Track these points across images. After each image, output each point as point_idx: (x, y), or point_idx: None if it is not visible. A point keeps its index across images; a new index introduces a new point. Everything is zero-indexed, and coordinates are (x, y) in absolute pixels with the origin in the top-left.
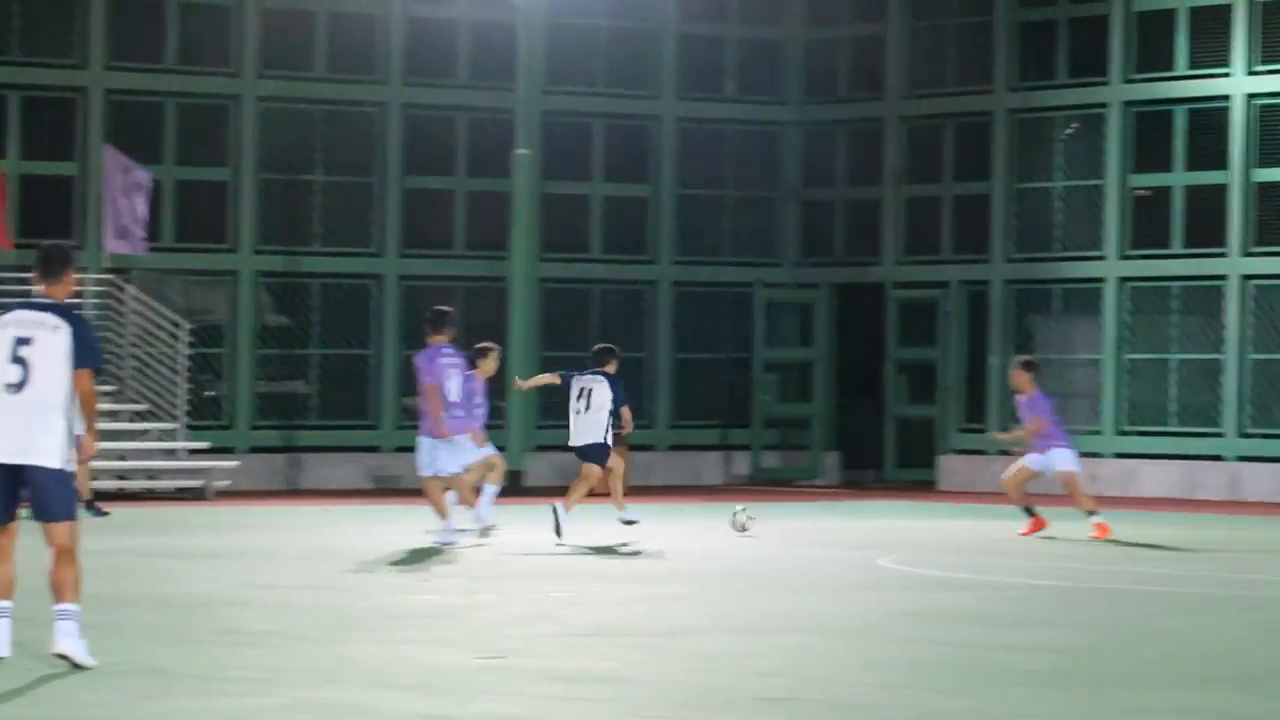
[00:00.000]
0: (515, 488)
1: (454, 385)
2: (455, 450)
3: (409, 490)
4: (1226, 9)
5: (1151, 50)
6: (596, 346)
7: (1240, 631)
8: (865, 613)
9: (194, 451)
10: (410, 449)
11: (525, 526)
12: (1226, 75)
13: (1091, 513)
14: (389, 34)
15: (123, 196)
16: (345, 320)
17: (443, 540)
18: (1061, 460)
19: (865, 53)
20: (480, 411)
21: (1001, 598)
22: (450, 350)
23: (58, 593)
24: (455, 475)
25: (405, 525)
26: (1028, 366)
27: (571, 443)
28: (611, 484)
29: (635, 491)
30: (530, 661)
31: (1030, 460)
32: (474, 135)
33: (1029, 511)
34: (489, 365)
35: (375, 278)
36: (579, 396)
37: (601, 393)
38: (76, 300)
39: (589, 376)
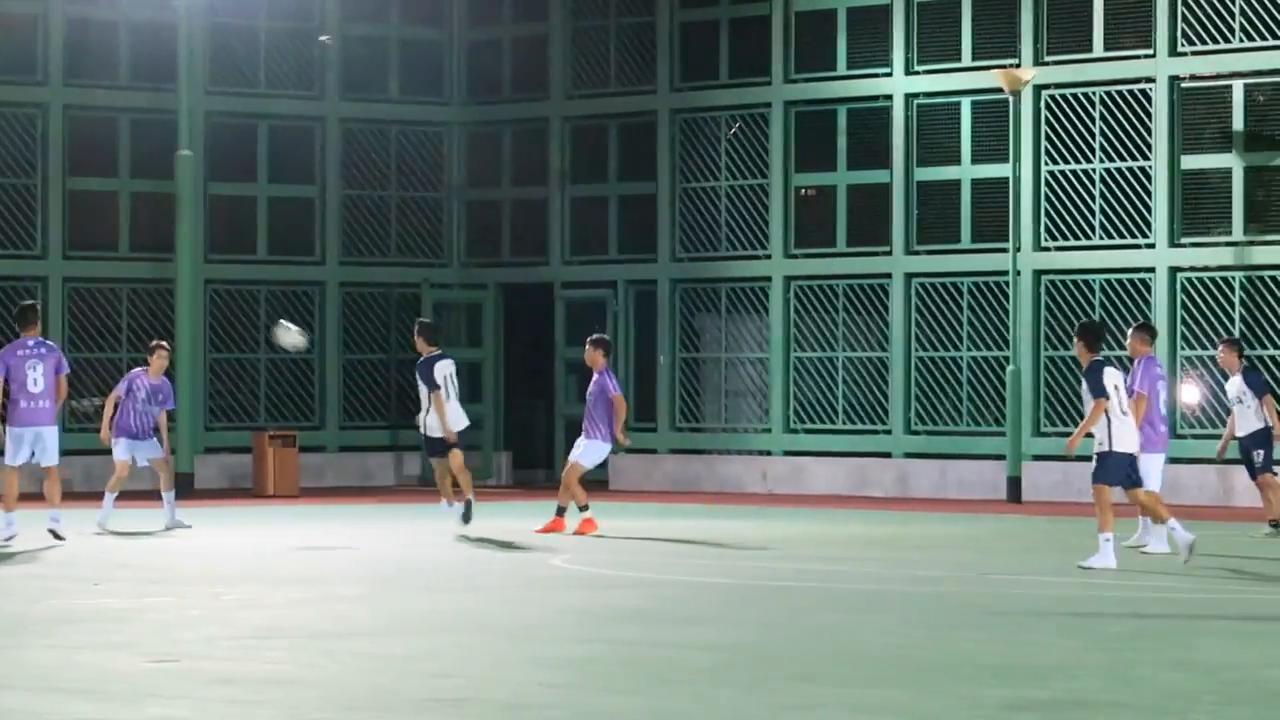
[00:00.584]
0: (186, 490)
1: (35, 376)
2: (40, 441)
3: (86, 493)
4: (885, 10)
5: (812, 50)
6: (424, 323)
7: (907, 627)
8: (537, 612)
9: None
10: (88, 451)
11: (197, 529)
12: (886, 75)
13: (583, 507)
14: (48, 34)
15: None
16: (7, 323)
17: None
18: (583, 449)
19: (528, 53)
20: (155, 409)
21: (671, 596)
22: (34, 343)
23: None
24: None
25: (75, 527)
26: (597, 344)
27: (431, 434)
28: (455, 470)
29: (307, 493)
30: (201, 664)
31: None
32: (136, 136)
33: (561, 510)
34: (157, 363)
35: (39, 280)
36: (446, 383)
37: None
38: None
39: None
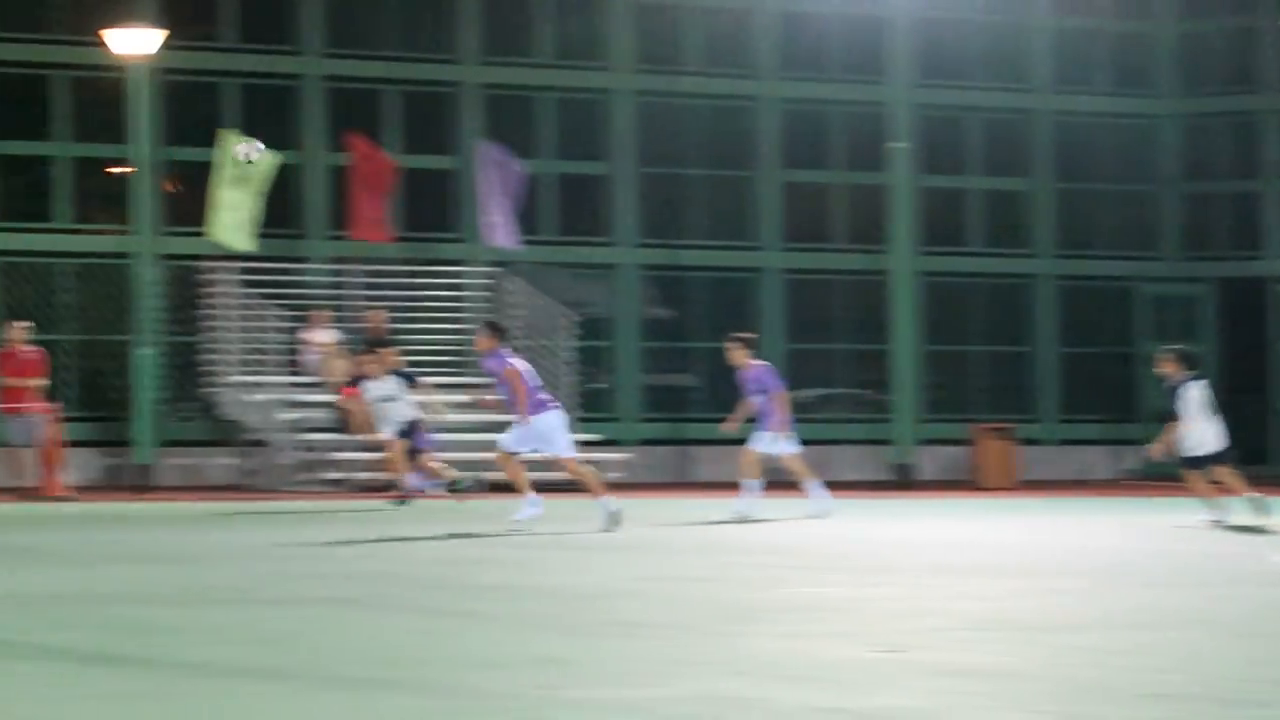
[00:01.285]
0: (906, 481)
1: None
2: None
3: (794, 484)
4: None
5: None
6: (1186, 349)
7: None
8: (1256, 609)
9: (584, 444)
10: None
11: (918, 521)
12: None
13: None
14: (760, 28)
15: (499, 191)
16: (727, 313)
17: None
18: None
19: (1238, 46)
20: (760, 399)
21: None
22: (507, 351)
23: None
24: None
25: (791, 518)
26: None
27: (1204, 451)
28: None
29: (1025, 486)
30: (925, 655)
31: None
32: (849, 129)
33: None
34: (735, 356)
35: (755, 271)
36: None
37: None
38: (463, 294)
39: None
